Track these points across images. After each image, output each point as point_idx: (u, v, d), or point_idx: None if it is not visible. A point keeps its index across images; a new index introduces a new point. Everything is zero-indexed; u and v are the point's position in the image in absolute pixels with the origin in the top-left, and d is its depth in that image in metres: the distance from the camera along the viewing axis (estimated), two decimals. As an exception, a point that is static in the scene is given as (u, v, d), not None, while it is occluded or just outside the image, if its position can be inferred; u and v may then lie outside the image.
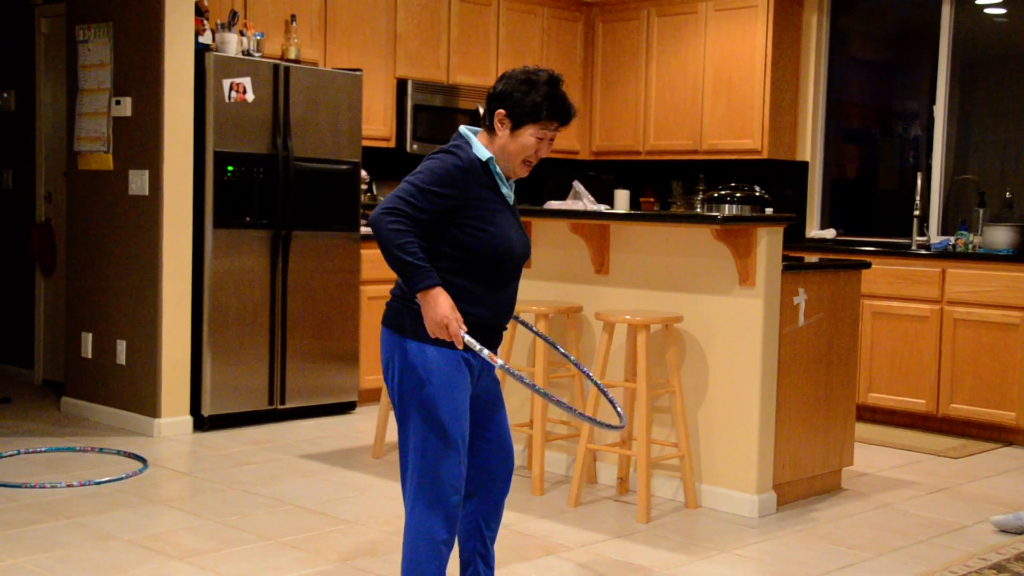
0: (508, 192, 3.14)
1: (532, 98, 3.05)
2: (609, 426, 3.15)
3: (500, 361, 2.91)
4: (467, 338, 2.91)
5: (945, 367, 6.45)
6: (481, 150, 3.06)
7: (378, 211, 2.94)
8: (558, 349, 3.50)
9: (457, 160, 3.02)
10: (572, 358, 3.51)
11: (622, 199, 8.15)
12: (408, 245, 2.90)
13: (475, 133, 3.14)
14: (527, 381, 2.90)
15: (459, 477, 3.06)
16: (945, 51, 7.27)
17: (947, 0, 7.24)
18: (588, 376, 3.49)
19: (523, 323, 3.51)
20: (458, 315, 2.92)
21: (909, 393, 6.59)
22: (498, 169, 3.10)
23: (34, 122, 7.24)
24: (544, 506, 4.74)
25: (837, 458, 5.15)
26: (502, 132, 3.08)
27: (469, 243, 3.01)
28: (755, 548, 4.27)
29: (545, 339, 3.58)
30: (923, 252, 6.68)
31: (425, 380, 3.01)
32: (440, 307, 2.90)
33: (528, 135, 3.07)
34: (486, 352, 2.91)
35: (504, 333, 3.26)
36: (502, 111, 3.07)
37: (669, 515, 4.66)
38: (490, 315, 3.09)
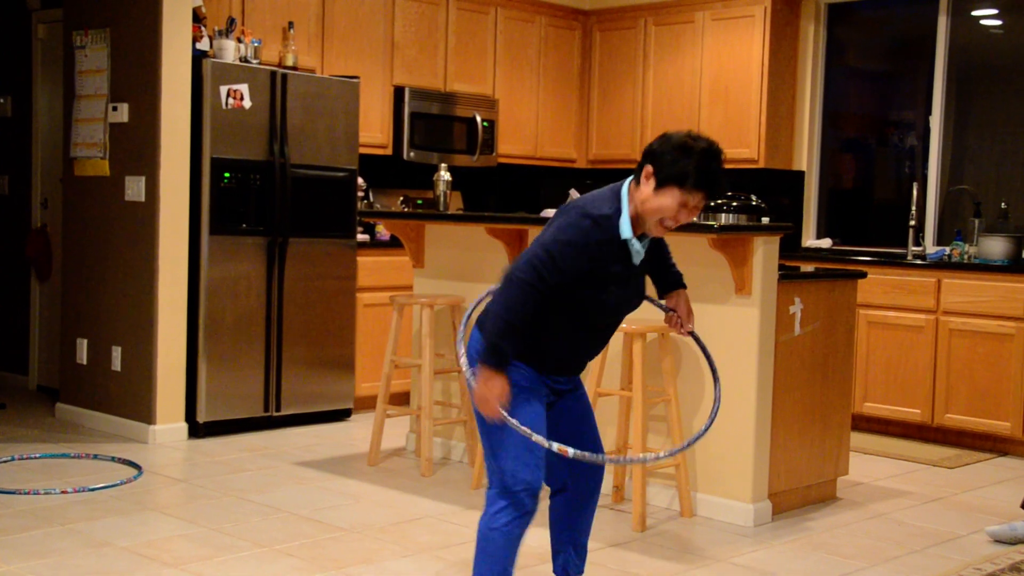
0: (638, 254, 3.17)
1: (682, 165, 3.06)
2: (693, 439, 3.34)
3: (538, 437, 3.05)
4: (511, 421, 3.05)
5: (940, 377, 6.45)
6: (625, 226, 3.09)
7: (516, 276, 3.01)
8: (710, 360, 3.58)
9: (598, 235, 3.05)
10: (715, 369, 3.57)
11: (618, 207, 8.14)
12: (516, 332, 3.01)
13: (626, 182, 3.16)
14: (571, 452, 3.06)
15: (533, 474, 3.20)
16: (941, 62, 7.28)
17: (943, 11, 7.26)
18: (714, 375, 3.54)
19: (697, 341, 3.59)
20: (506, 403, 3.05)
21: (904, 403, 6.59)
22: (638, 245, 3.14)
23: (31, 128, 7.24)
24: (539, 514, 4.71)
25: (832, 467, 5.15)
26: (645, 188, 3.10)
27: (578, 302, 3.10)
28: (750, 557, 4.27)
29: (701, 344, 3.63)
30: (919, 262, 6.69)
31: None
32: (490, 387, 3.03)
33: (670, 197, 3.06)
34: (535, 437, 3.04)
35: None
36: (650, 168, 3.09)
37: (664, 524, 4.66)
38: (572, 353, 3.25)
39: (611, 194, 3.15)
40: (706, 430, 3.31)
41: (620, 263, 3.13)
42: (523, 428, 3.03)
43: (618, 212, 3.10)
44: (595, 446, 3.42)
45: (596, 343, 3.34)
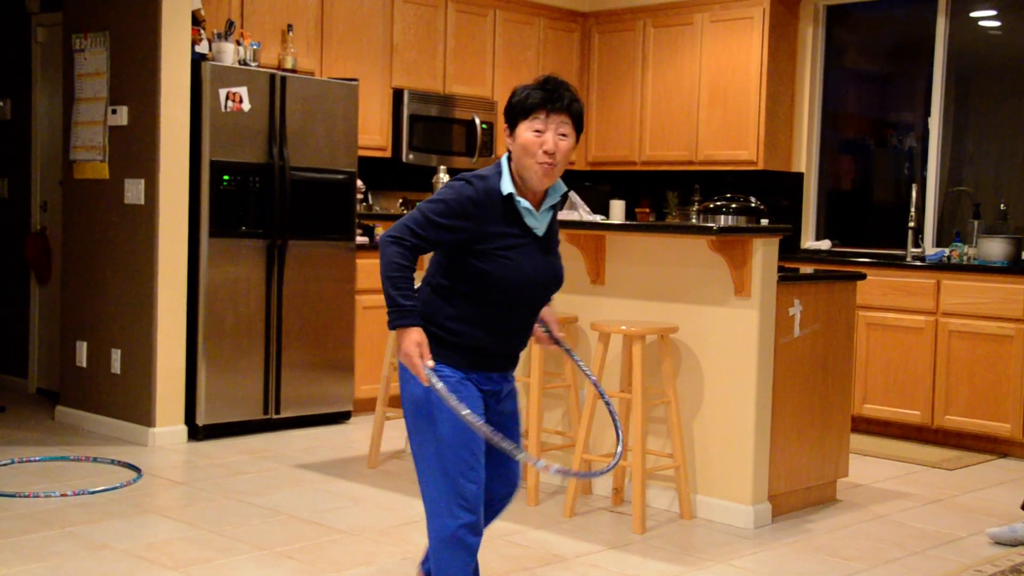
0: (536, 223, 3.07)
1: (518, 99, 3.04)
2: (593, 474, 3.24)
3: (466, 411, 2.89)
4: (432, 377, 2.92)
5: (940, 378, 6.45)
6: (506, 182, 3.02)
7: (385, 236, 2.98)
8: (582, 367, 3.38)
9: (472, 192, 2.98)
10: (592, 377, 3.44)
11: (617, 209, 8.16)
12: (399, 280, 2.95)
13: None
14: (497, 439, 2.91)
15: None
16: (940, 63, 7.29)
17: (942, 12, 7.27)
18: (604, 400, 3.36)
19: (567, 350, 3.42)
20: (426, 352, 2.94)
21: (904, 404, 6.59)
22: (525, 203, 3.04)
23: (30, 131, 7.24)
24: (539, 517, 4.73)
25: (832, 469, 5.15)
26: (511, 144, 3.06)
27: (475, 273, 3.00)
28: (750, 559, 4.27)
29: (572, 356, 3.42)
30: (918, 263, 6.69)
31: (437, 398, 2.99)
32: (406, 343, 2.95)
33: (523, 133, 3.01)
34: (452, 400, 2.90)
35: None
36: (505, 126, 3.08)
37: (664, 526, 4.66)
38: (490, 341, 3.07)
39: (486, 170, 3.10)
40: (616, 463, 3.13)
41: (510, 226, 3.01)
42: (450, 397, 2.89)
43: (498, 175, 3.04)
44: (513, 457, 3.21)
45: (513, 326, 3.13)
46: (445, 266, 3.06)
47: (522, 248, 3.03)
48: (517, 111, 3.03)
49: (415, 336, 2.95)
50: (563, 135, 3.02)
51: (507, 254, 3.00)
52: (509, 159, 3.08)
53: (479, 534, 3.08)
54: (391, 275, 2.96)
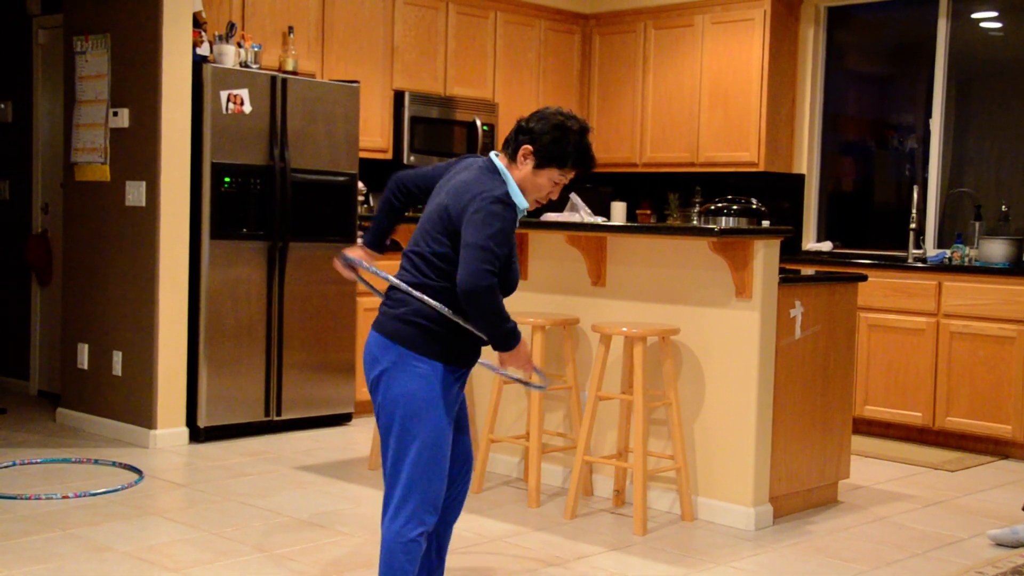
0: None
1: (562, 145, 3.18)
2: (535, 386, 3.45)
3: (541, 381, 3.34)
4: (536, 375, 3.26)
5: (941, 380, 6.45)
6: (520, 197, 3.15)
7: (480, 283, 2.98)
8: (387, 278, 3.29)
9: (515, 217, 3.10)
10: (393, 279, 3.27)
11: (619, 211, 8.16)
12: (504, 316, 3.05)
13: (497, 156, 3.23)
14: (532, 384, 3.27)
15: (444, 488, 3.20)
16: (941, 64, 7.28)
17: (943, 13, 7.26)
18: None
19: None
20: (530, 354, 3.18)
21: (905, 406, 6.59)
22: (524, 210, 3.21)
23: (31, 133, 7.24)
24: (540, 518, 4.73)
25: (833, 471, 5.15)
26: (523, 167, 3.19)
27: (504, 281, 3.11)
28: (751, 561, 4.27)
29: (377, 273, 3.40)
30: (919, 265, 6.69)
31: (435, 396, 3.10)
32: (527, 350, 3.15)
33: (547, 177, 3.20)
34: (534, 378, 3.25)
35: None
36: (529, 148, 3.17)
37: (665, 527, 4.66)
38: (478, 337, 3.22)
39: (491, 172, 3.17)
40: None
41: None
42: (532, 381, 3.22)
43: (507, 186, 3.14)
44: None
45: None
46: (450, 268, 3.12)
47: (515, 248, 3.19)
48: (555, 159, 3.19)
49: (525, 348, 3.15)
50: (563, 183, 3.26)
51: (514, 255, 3.15)
52: (505, 163, 3.21)
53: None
54: (504, 315, 3.04)
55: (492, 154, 3.24)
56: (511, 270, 3.15)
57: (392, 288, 3.19)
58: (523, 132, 3.20)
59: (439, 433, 3.10)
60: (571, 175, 3.23)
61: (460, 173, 3.21)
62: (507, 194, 3.10)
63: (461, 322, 3.08)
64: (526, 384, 3.32)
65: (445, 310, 3.06)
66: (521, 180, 3.18)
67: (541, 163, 3.18)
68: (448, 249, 3.10)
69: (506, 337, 3.07)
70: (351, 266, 3.47)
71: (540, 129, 3.18)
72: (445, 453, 3.13)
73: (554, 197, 3.27)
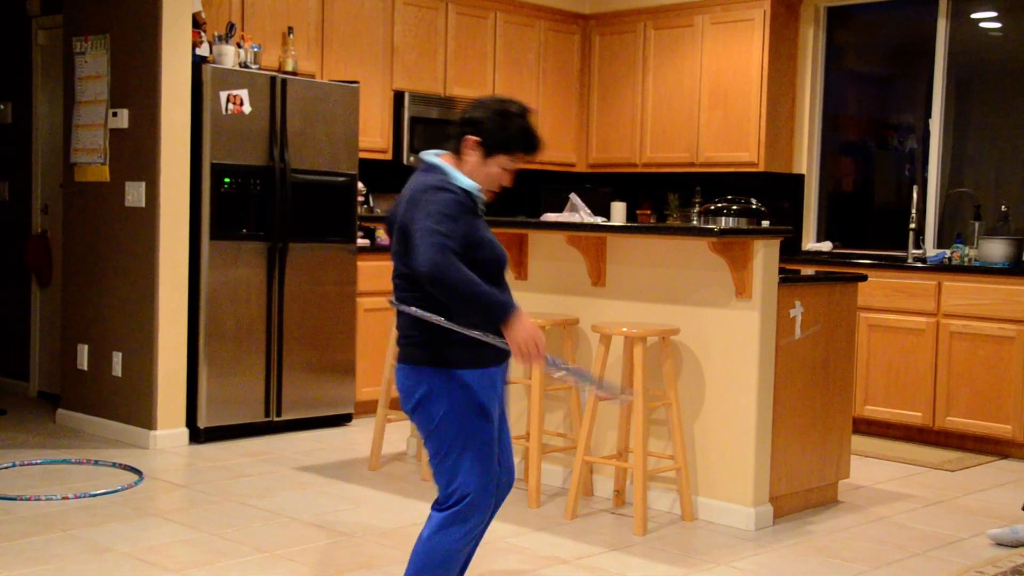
0: (482, 209, 3.19)
1: (506, 131, 3.12)
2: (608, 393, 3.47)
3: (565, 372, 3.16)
4: (548, 356, 3.06)
5: (941, 380, 6.45)
6: (464, 179, 3.10)
7: (434, 260, 2.88)
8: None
9: (456, 196, 3.04)
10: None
11: (619, 212, 8.16)
12: (477, 284, 2.91)
13: (438, 155, 3.16)
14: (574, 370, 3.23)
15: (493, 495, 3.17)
16: (941, 64, 7.28)
17: (943, 13, 7.27)
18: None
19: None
20: (542, 340, 2.98)
21: (905, 406, 6.59)
22: (481, 195, 3.16)
23: (31, 134, 7.24)
24: (540, 518, 4.73)
25: (833, 471, 5.15)
26: (471, 158, 3.13)
27: (480, 263, 3.04)
28: (751, 561, 4.27)
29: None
30: (919, 265, 6.69)
31: (477, 403, 3.07)
32: (529, 326, 2.95)
33: (498, 165, 3.14)
34: (562, 371, 3.12)
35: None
36: (474, 138, 3.12)
37: (665, 528, 4.66)
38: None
39: (428, 172, 3.12)
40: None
41: (476, 214, 3.11)
42: (566, 371, 3.15)
43: (447, 175, 3.10)
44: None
45: None
46: None
47: (486, 229, 3.14)
48: (503, 145, 3.12)
49: (529, 320, 2.96)
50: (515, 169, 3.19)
51: (486, 235, 3.10)
52: (448, 160, 3.14)
53: None
54: (470, 281, 2.89)
55: (426, 154, 3.17)
56: (484, 248, 3.05)
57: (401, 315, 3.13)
58: (465, 124, 3.13)
59: (488, 440, 3.10)
60: (521, 159, 3.16)
61: (406, 190, 3.16)
62: (443, 180, 3.06)
63: (456, 328, 3.01)
64: (609, 397, 3.22)
65: (440, 319, 3.01)
66: (471, 172, 3.12)
67: (488, 151, 3.12)
68: None
69: (492, 308, 2.93)
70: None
71: (481, 117, 3.12)
72: (494, 459, 3.14)
73: (507, 184, 3.19)
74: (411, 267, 3.00)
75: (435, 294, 2.94)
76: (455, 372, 3.05)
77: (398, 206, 3.15)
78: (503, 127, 3.12)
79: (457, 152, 3.15)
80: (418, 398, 3.08)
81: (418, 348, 3.09)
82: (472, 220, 3.07)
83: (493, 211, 8.35)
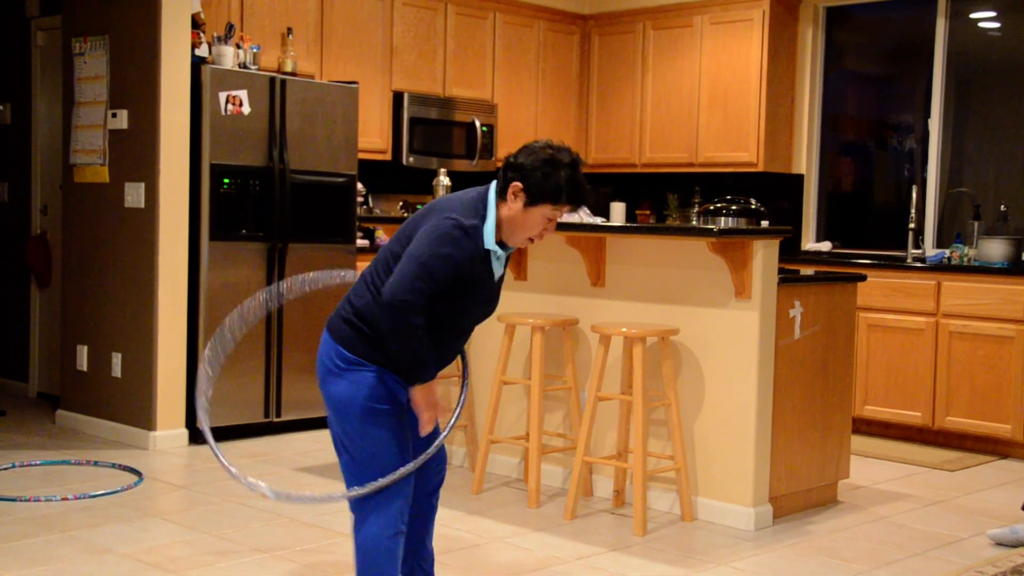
0: (498, 267, 3.11)
1: (554, 181, 3.02)
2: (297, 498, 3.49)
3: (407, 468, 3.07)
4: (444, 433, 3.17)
5: (941, 380, 6.45)
6: (490, 236, 3.01)
7: (398, 302, 2.88)
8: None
9: (475, 249, 2.97)
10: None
11: (618, 212, 8.16)
12: (424, 349, 2.94)
13: (494, 193, 3.07)
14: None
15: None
16: (940, 64, 7.29)
17: (942, 13, 7.27)
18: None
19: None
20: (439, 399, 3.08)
21: (905, 406, 6.59)
22: (499, 253, 3.07)
23: (30, 135, 7.24)
24: (540, 519, 4.73)
25: (833, 471, 5.15)
26: (514, 204, 3.04)
27: (437, 308, 2.98)
28: (751, 561, 4.27)
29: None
30: (918, 265, 6.69)
31: (379, 400, 3.07)
32: (434, 396, 3.05)
33: (540, 214, 3.04)
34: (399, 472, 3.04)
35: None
36: (519, 184, 3.02)
37: (665, 528, 4.66)
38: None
39: (478, 201, 3.05)
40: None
41: (483, 271, 3.04)
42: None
43: (483, 221, 3.01)
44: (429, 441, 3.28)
45: (455, 349, 3.22)
46: None
47: (480, 289, 3.06)
48: (548, 196, 3.03)
49: (433, 392, 3.05)
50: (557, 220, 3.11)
51: (473, 295, 3.05)
52: (495, 197, 3.06)
53: None
54: (417, 348, 2.93)
55: (490, 186, 3.09)
56: (449, 307, 3.01)
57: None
58: (511, 168, 3.04)
59: (395, 436, 3.10)
60: (566, 210, 3.07)
61: (446, 200, 3.10)
62: (474, 227, 2.97)
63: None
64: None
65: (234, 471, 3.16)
66: (511, 218, 3.02)
67: (532, 200, 3.01)
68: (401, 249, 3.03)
69: (414, 369, 2.96)
70: None
71: (529, 165, 3.02)
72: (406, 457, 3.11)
73: (549, 232, 3.10)
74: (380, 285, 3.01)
75: (380, 319, 2.96)
76: (369, 369, 3.07)
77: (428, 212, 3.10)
78: (550, 176, 3.02)
79: (503, 195, 3.05)
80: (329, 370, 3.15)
81: (346, 327, 3.13)
82: (471, 270, 2.99)
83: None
